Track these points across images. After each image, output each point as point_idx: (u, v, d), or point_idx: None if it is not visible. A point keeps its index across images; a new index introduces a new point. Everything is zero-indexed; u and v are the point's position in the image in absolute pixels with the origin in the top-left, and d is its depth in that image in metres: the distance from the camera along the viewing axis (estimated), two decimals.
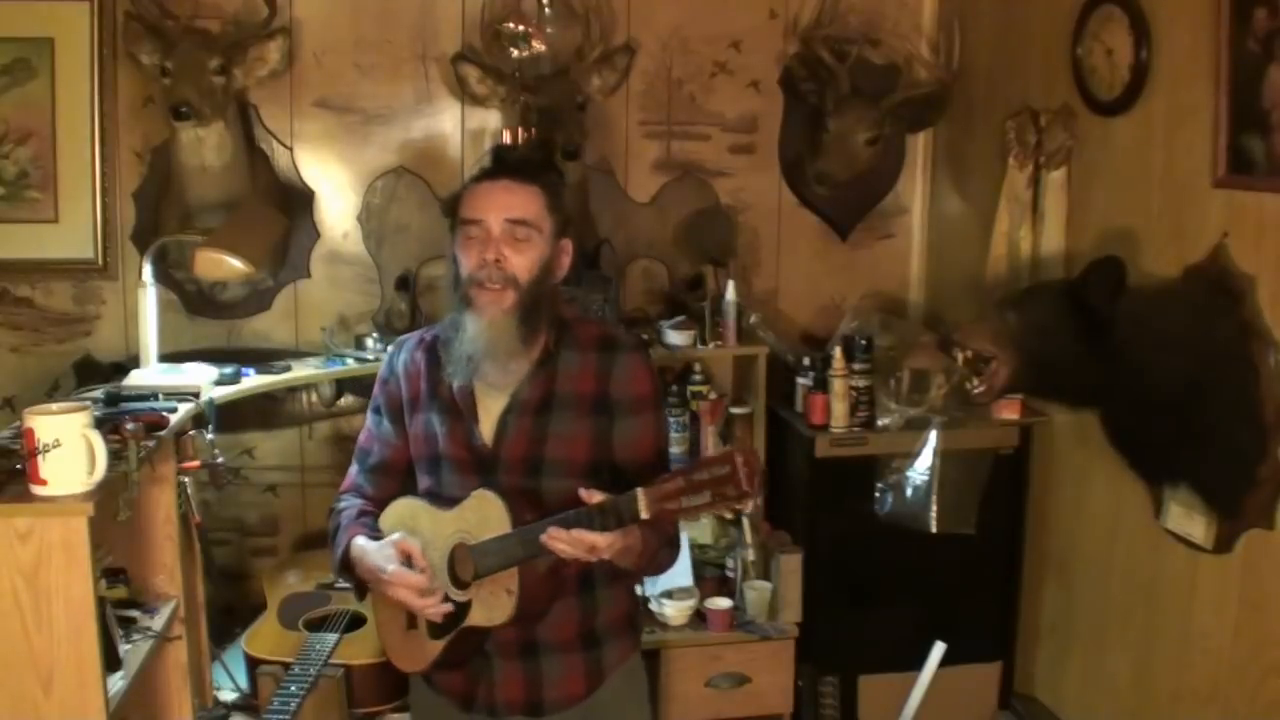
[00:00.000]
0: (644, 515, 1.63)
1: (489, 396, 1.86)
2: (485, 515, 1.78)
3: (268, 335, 3.21)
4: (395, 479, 1.98)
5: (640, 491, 1.64)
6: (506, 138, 3.08)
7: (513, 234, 1.79)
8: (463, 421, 1.87)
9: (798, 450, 3.03)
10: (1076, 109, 2.69)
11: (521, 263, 1.80)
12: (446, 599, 1.81)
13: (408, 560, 1.81)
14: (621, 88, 3.25)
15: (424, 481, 1.93)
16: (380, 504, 1.96)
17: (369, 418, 2.02)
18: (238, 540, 3.26)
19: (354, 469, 2.03)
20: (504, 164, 1.86)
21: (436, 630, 1.86)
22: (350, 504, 1.98)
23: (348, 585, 2.00)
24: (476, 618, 1.81)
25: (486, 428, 1.86)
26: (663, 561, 1.91)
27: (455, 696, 1.93)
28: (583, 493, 1.68)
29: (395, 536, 1.84)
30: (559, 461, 1.84)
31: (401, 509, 1.92)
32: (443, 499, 1.87)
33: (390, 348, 2.02)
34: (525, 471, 1.83)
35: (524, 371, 1.85)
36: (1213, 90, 2.22)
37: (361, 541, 1.88)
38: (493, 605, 1.79)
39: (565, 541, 1.67)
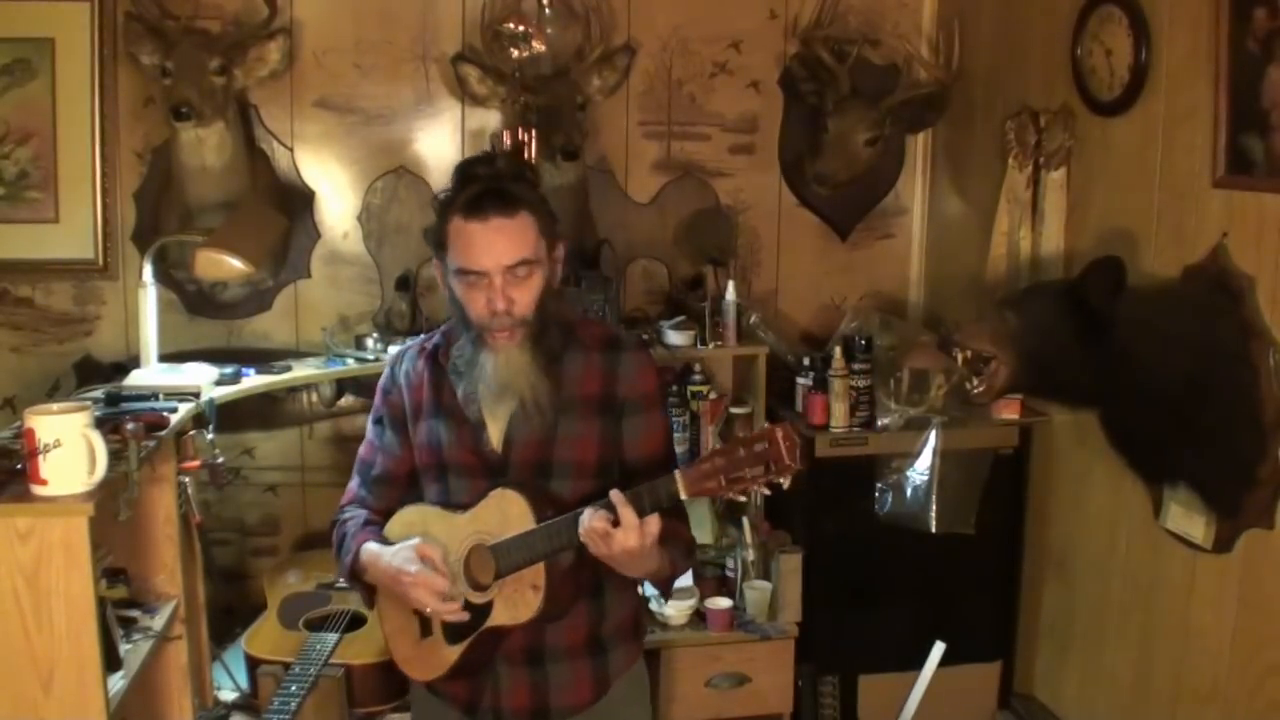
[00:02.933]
0: (683, 495, 1.64)
1: (495, 401, 1.84)
2: (505, 514, 1.77)
3: (268, 335, 3.21)
4: (398, 490, 1.95)
5: (678, 472, 1.64)
6: (506, 138, 3.08)
7: (514, 275, 1.75)
8: (469, 427, 1.85)
9: None
10: (1076, 109, 2.69)
11: (527, 298, 1.76)
12: (466, 603, 1.79)
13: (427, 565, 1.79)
14: (621, 88, 3.25)
15: (430, 490, 1.91)
16: (384, 515, 1.94)
17: (370, 429, 1.99)
18: (238, 540, 3.26)
19: (355, 481, 2.01)
20: (486, 198, 1.74)
21: (455, 634, 1.83)
22: (354, 514, 1.96)
23: (355, 591, 1.98)
24: (500, 617, 1.79)
25: (495, 432, 1.85)
26: (681, 570, 1.93)
27: (459, 703, 1.91)
28: (614, 493, 1.66)
29: (414, 540, 1.81)
30: (567, 463, 1.83)
31: (410, 516, 1.90)
32: (453, 504, 1.86)
33: (390, 358, 2.00)
34: (534, 474, 1.83)
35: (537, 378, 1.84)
36: (1212, 90, 2.22)
37: (374, 546, 1.86)
38: (518, 603, 1.77)
39: (605, 524, 1.63)
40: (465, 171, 1.80)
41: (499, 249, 1.73)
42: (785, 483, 1.60)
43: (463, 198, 1.75)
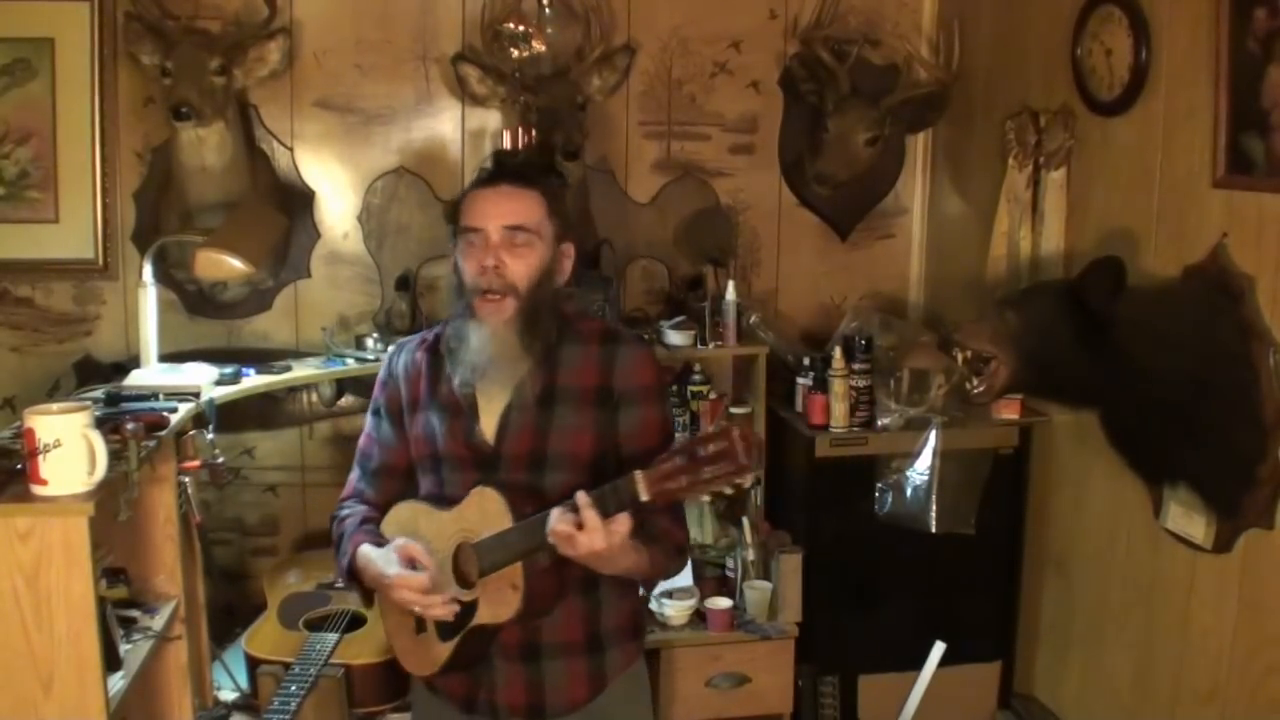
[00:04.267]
0: (644, 497, 1.60)
1: (490, 393, 1.85)
2: (485, 512, 1.77)
3: (268, 335, 3.21)
4: (397, 482, 1.97)
5: (639, 474, 1.60)
6: (507, 138, 3.08)
7: (511, 240, 1.79)
8: (463, 419, 1.86)
9: (798, 450, 3.03)
10: (1076, 109, 2.69)
11: (520, 269, 1.80)
12: (454, 600, 1.80)
13: (410, 563, 1.79)
14: (621, 88, 3.25)
15: (426, 482, 1.92)
16: (383, 508, 1.95)
17: (369, 421, 2.01)
18: (238, 540, 3.26)
19: (355, 474, 2.02)
20: (503, 169, 1.88)
21: (446, 631, 1.84)
22: (352, 511, 1.97)
23: (353, 590, 1.98)
24: (484, 616, 1.79)
25: (488, 424, 1.86)
26: (670, 571, 1.92)
27: (457, 699, 1.92)
28: (579, 495, 1.65)
29: (399, 541, 1.82)
30: (562, 455, 1.83)
31: (402, 513, 1.91)
32: (443, 500, 1.87)
33: (390, 350, 2.02)
34: (528, 467, 1.83)
35: (526, 367, 1.84)
36: (1212, 90, 2.22)
37: (366, 549, 1.86)
38: (498, 602, 1.77)
39: (569, 526, 1.62)
40: (497, 155, 2.04)
41: (499, 209, 1.81)
42: (746, 483, 1.58)
43: (482, 173, 1.90)
